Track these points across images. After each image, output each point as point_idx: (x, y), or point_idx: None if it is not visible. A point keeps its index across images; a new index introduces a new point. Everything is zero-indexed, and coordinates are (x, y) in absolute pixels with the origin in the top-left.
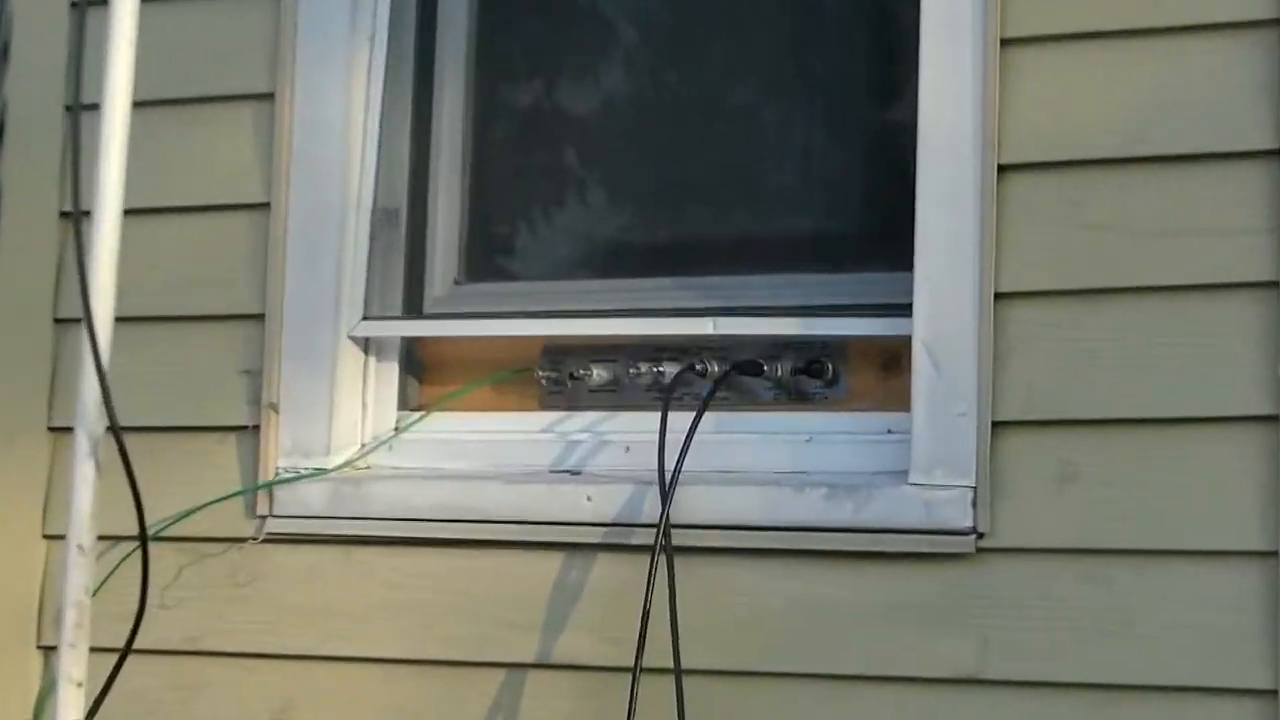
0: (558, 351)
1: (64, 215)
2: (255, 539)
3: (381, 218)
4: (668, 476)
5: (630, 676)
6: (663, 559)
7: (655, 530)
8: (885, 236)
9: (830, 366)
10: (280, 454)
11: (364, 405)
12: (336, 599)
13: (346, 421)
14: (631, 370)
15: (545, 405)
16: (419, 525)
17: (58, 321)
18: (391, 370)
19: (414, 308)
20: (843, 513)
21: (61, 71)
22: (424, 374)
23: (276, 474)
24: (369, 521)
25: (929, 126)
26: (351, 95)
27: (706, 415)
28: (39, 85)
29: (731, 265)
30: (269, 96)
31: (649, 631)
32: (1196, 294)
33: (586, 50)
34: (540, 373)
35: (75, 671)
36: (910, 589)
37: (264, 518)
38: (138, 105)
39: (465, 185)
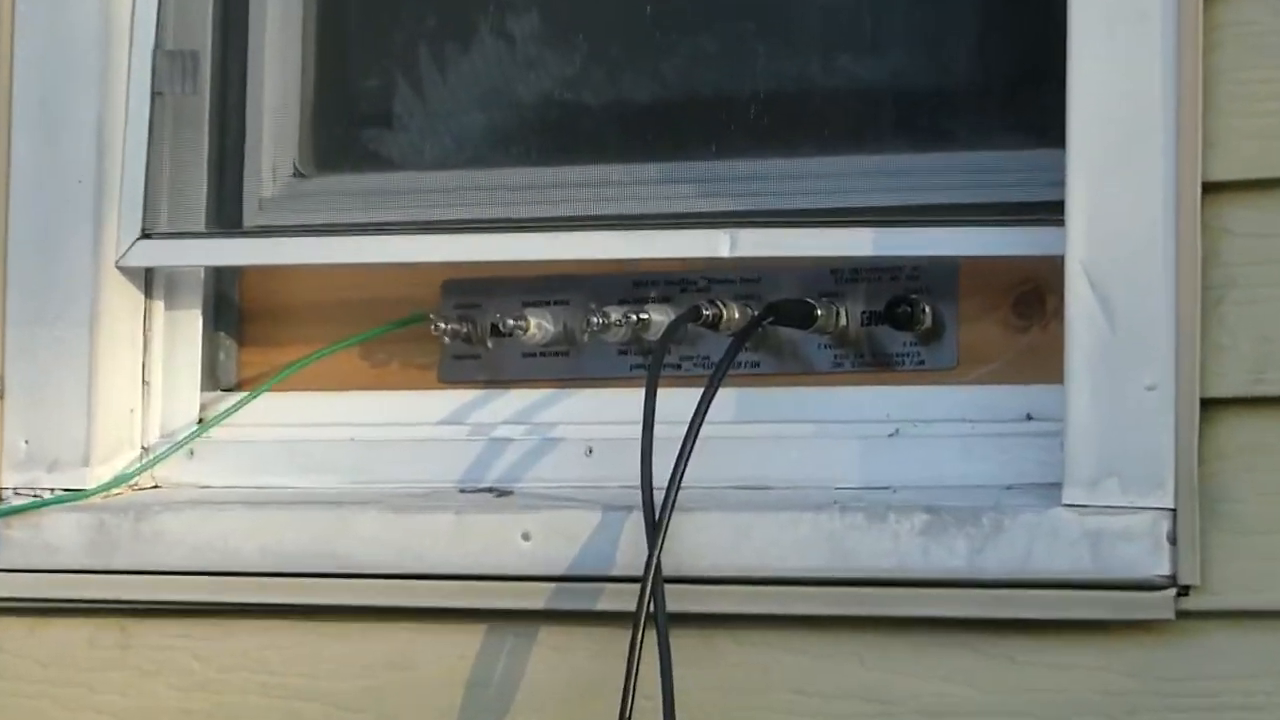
0: (469, 289)
1: None
2: None
3: (171, 66)
4: (659, 498)
5: None
6: (652, 635)
7: (639, 588)
8: (1016, 89)
9: (928, 310)
10: (7, 465)
11: (145, 383)
12: (106, 706)
13: (116, 410)
14: (595, 320)
15: (449, 378)
16: (242, 584)
17: None
18: (192, 324)
19: (227, 217)
20: (953, 555)
21: None
22: (246, 329)
23: (1, 499)
24: (159, 578)
25: None
26: None
27: (722, 394)
28: None
29: (759, 140)
30: None
31: None
32: None
33: None
34: (440, 324)
35: None
36: (1069, 680)
37: None
38: None
39: (309, 11)
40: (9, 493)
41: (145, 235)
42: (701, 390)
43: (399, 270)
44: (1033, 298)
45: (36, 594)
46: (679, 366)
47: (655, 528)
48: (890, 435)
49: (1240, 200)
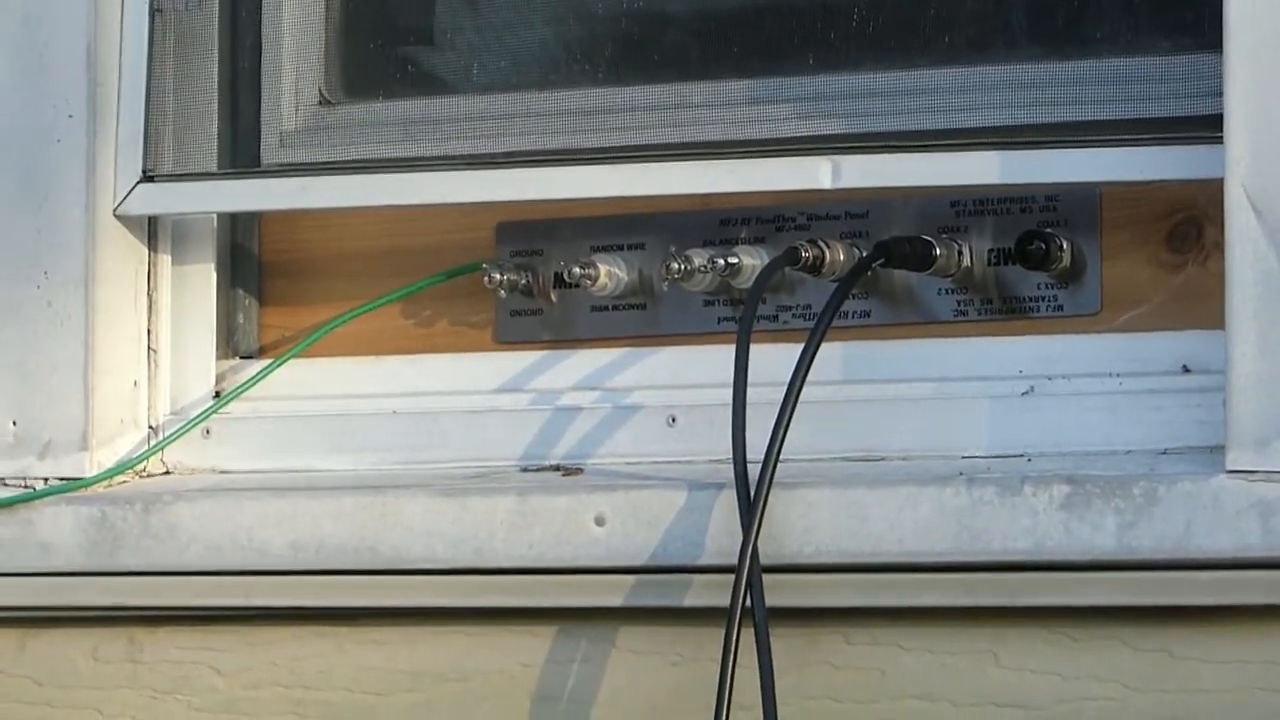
0: (528, 233)
1: None
2: None
3: None
4: (754, 473)
5: None
6: (749, 634)
7: (733, 579)
8: None
9: (1065, 246)
10: None
11: (151, 351)
12: None
13: (118, 384)
14: (675, 266)
15: (507, 338)
16: (269, 585)
17: None
18: (204, 281)
19: (243, 154)
20: (1100, 533)
21: None
22: (268, 286)
23: None
24: (172, 580)
25: None
26: None
27: (827, 350)
28: None
29: (865, 51)
30: None
31: None
32: None
33: None
34: (495, 275)
35: None
36: (1236, 678)
37: None
38: None
39: None
40: None
41: (147, 178)
42: (802, 346)
43: (445, 213)
44: (1188, 229)
45: (29, 601)
46: (775, 319)
47: (751, 508)
48: (1024, 394)
49: None
